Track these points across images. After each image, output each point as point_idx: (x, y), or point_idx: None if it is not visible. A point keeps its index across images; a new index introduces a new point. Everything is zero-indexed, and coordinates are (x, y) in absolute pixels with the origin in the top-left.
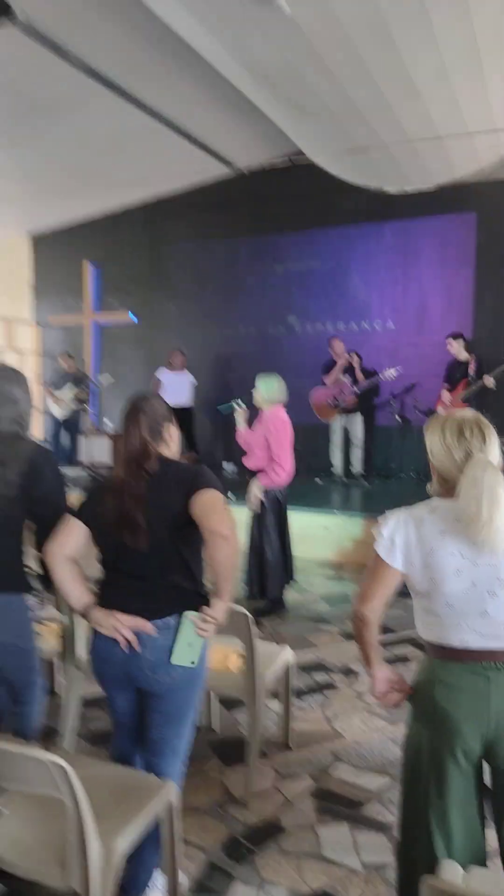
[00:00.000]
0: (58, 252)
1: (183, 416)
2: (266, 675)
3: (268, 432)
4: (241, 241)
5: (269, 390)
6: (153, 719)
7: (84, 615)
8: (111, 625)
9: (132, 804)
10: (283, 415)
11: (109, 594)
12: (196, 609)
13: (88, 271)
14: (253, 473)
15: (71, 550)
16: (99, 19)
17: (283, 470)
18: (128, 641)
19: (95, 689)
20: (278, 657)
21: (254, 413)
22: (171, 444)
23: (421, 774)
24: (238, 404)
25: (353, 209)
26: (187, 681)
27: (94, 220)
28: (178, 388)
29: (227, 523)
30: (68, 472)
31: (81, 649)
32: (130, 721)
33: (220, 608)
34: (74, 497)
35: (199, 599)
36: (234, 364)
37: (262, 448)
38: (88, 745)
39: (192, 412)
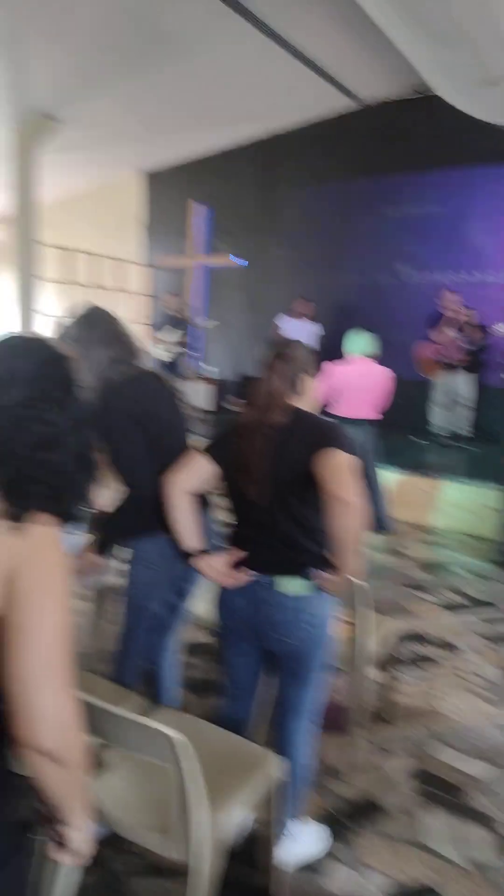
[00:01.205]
0: (169, 191)
1: None
2: (370, 645)
3: None
4: (356, 182)
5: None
6: (281, 678)
7: (191, 557)
8: (215, 575)
9: (239, 777)
10: (344, 366)
11: (237, 544)
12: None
13: (196, 212)
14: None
15: (193, 486)
16: None
17: None
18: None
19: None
20: (382, 627)
21: None
22: (307, 397)
23: None
24: None
25: (479, 149)
26: (314, 641)
27: (206, 158)
28: (299, 337)
29: (350, 489)
30: None
31: None
32: (246, 680)
33: (336, 581)
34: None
35: (324, 563)
36: (338, 313)
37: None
38: (191, 695)
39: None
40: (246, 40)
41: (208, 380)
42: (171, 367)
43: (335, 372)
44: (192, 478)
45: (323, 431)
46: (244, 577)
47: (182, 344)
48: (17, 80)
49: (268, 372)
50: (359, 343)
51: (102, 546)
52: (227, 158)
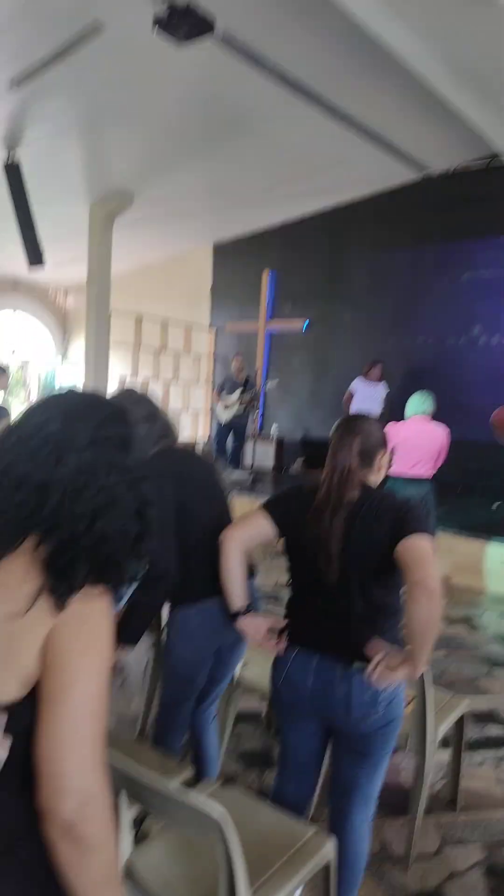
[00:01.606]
0: (236, 259)
1: None
2: (439, 725)
3: None
4: (425, 248)
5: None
6: (344, 760)
7: (233, 616)
8: (257, 636)
9: (289, 860)
10: (401, 425)
11: (301, 622)
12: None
13: (266, 280)
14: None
15: (249, 543)
16: (295, 28)
17: None
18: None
19: (246, 702)
20: (452, 707)
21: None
22: (381, 472)
23: None
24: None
25: None
26: (387, 721)
27: (273, 227)
28: (370, 399)
29: (434, 575)
30: (232, 475)
31: (238, 666)
32: (304, 759)
33: (404, 671)
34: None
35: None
36: (407, 376)
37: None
38: (240, 768)
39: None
40: (310, 120)
41: (271, 439)
42: (237, 427)
43: (391, 430)
44: (249, 534)
45: (404, 514)
46: (282, 646)
47: (245, 404)
48: (95, 161)
49: (343, 448)
50: (414, 404)
51: (124, 632)
52: (293, 228)
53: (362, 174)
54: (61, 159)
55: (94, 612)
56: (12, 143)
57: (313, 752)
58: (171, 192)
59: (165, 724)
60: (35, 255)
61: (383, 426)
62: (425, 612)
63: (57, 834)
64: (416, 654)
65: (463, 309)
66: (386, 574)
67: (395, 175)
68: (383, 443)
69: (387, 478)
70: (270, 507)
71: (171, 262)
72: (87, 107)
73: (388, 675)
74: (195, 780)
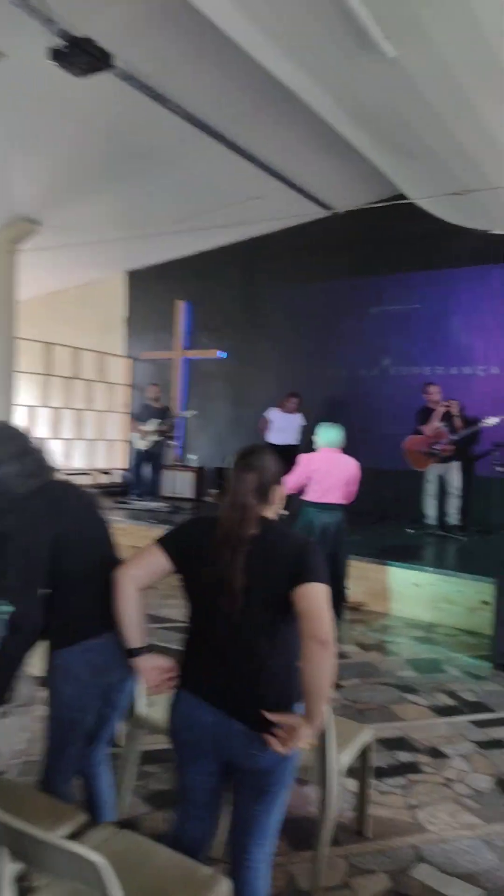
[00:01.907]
0: (151, 288)
1: (290, 453)
2: (342, 756)
3: None
4: (337, 282)
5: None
6: (243, 796)
7: (130, 655)
8: (154, 681)
9: None
10: (314, 455)
11: (200, 662)
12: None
13: (181, 309)
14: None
15: (144, 580)
16: (198, 66)
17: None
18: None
19: (154, 742)
20: (356, 737)
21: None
22: (276, 505)
23: None
24: None
25: (457, 252)
26: (288, 755)
27: (188, 258)
28: (287, 429)
29: (328, 627)
30: (149, 504)
31: (142, 705)
32: (203, 798)
33: (305, 731)
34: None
35: (295, 694)
36: (323, 406)
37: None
38: (149, 809)
39: (298, 449)
40: (216, 156)
41: (189, 468)
42: (153, 456)
43: (305, 460)
44: (144, 571)
45: (302, 558)
46: (171, 685)
47: (162, 433)
48: None
49: (239, 484)
50: (326, 435)
51: None
52: (208, 258)
53: (272, 210)
54: None
55: None
56: None
57: (212, 790)
58: (79, 219)
59: (53, 769)
60: None
61: (294, 456)
62: (318, 665)
63: None
64: (312, 709)
65: (373, 342)
66: (289, 611)
67: (304, 211)
68: (278, 476)
69: (302, 504)
70: (166, 543)
71: (82, 290)
72: None
73: (290, 743)
74: (89, 826)
